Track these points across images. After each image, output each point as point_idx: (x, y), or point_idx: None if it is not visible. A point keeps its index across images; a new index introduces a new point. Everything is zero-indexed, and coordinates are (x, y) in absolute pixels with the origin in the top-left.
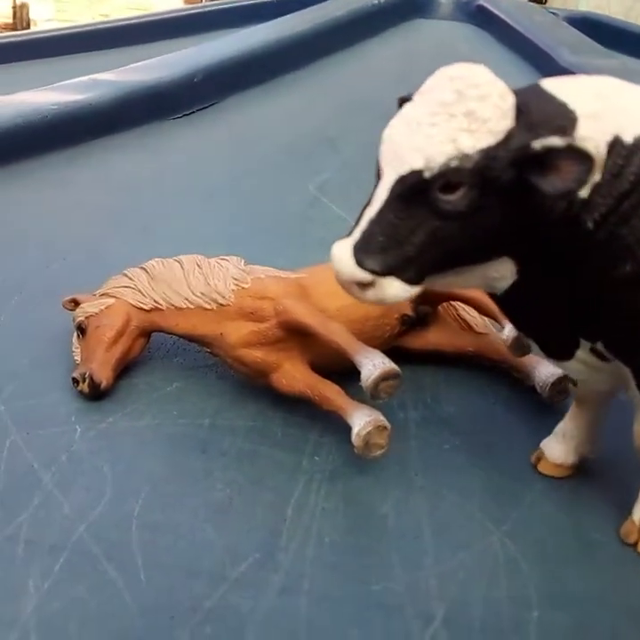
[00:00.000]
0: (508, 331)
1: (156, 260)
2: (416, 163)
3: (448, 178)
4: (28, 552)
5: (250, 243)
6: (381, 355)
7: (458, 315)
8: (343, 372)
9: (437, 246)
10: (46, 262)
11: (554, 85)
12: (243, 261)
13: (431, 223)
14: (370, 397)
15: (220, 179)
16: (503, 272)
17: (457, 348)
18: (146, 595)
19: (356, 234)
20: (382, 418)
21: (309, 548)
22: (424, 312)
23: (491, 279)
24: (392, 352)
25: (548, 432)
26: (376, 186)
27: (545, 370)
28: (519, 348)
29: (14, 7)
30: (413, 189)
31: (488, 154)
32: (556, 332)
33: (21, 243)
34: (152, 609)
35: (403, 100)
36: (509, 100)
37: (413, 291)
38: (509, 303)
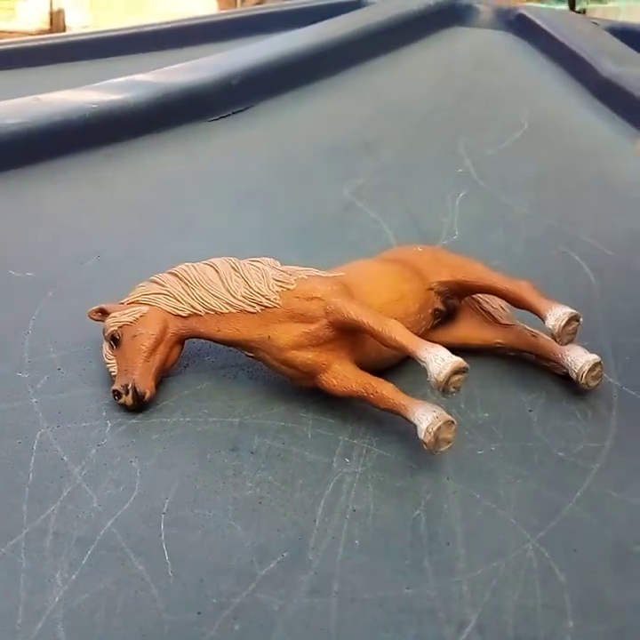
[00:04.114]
0: (555, 320)
1: (186, 264)
2: None
3: None
4: (56, 544)
5: (284, 245)
6: (444, 348)
7: (481, 308)
8: (385, 370)
9: None
10: (81, 259)
11: None
12: (277, 262)
13: None
14: (440, 393)
15: (256, 181)
16: None
17: (485, 340)
18: (173, 590)
19: None
20: (445, 412)
21: (339, 549)
22: (453, 306)
23: None
24: None
25: (589, 441)
26: None
27: (579, 357)
28: (567, 335)
29: (51, 13)
30: None
31: None
32: None
33: (57, 239)
34: (179, 604)
35: None
36: None
37: None
38: None
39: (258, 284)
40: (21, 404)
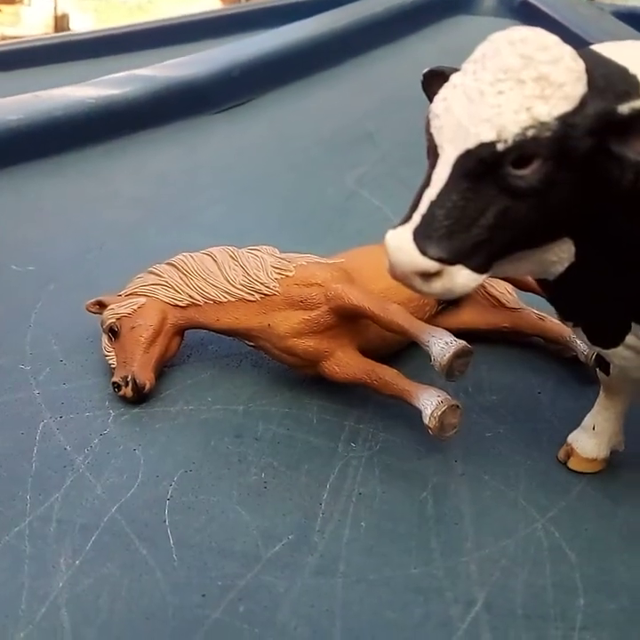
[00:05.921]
0: None
1: (184, 254)
2: (486, 135)
3: (524, 149)
4: (59, 531)
5: (288, 234)
6: (447, 332)
7: (487, 292)
8: (389, 356)
9: (508, 228)
10: (83, 251)
11: (607, 50)
12: (276, 250)
13: (501, 202)
14: (444, 377)
15: (258, 172)
16: (562, 254)
17: (492, 325)
18: (177, 573)
19: (415, 218)
20: (450, 397)
21: (345, 531)
22: None
23: (548, 264)
24: None
25: None
26: (432, 165)
27: None
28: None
29: (55, 18)
30: (482, 165)
31: (565, 121)
32: (608, 315)
33: (59, 232)
34: (183, 587)
35: (433, 74)
36: (582, 63)
37: (481, 279)
38: (562, 289)
39: (256, 272)
40: (24, 395)
